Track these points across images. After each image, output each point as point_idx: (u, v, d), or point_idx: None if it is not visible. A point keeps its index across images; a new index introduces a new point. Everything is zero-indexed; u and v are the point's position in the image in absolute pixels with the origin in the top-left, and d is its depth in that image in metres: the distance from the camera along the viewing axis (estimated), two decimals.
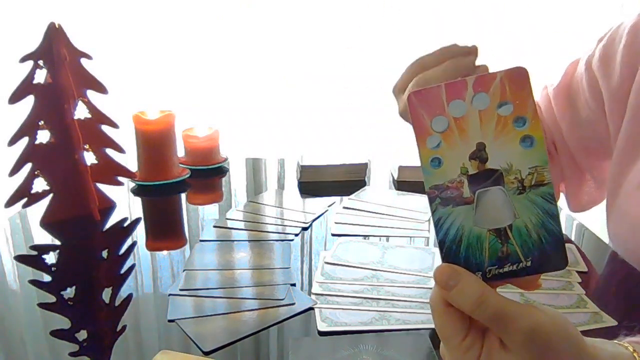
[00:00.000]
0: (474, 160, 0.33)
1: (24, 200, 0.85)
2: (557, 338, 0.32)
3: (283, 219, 0.89)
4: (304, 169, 1.06)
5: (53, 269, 0.74)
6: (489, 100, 0.32)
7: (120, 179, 0.95)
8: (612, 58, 0.72)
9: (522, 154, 0.32)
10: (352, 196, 0.99)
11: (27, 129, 0.82)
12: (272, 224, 0.87)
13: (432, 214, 0.34)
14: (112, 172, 0.93)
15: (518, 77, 0.32)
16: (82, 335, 0.58)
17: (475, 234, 0.33)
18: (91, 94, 0.87)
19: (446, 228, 0.34)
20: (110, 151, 0.92)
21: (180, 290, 0.66)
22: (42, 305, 0.64)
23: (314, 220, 0.88)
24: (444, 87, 0.32)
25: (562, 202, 0.90)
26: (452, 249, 0.34)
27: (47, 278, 0.71)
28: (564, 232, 0.85)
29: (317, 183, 1.06)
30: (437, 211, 0.33)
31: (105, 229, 0.87)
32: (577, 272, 0.70)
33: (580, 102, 0.78)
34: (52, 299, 0.65)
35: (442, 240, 0.34)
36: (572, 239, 0.83)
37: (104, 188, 0.93)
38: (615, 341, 0.38)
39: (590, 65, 0.75)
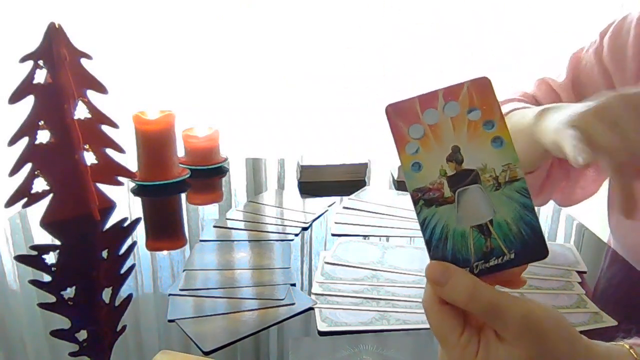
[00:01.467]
0: (451, 162, 0.35)
1: (24, 200, 0.85)
2: (551, 326, 0.33)
3: (283, 219, 0.89)
4: (304, 169, 1.06)
5: (53, 269, 0.74)
6: (459, 108, 0.35)
7: (120, 179, 0.95)
8: (623, 52, 0.71)
9: (494, 154, 0.35)
10: (352, 196, 0.99)
11: (27, 129, 0.82)
12: (272, 224, 0.87)
13: (418, 215, 0.36)
14: (112, 172, 0.93)
15: (482, 86, 0.35)
16: (82, 335, 0.58)
17: (459, 232, 0.35)
18: (91, 94, 0.87)
19: (432, 228, 0.35)
20: (110, 151, 0.92)
21: (180, 290, 0.66)
22: (42, 305, 0.64)
23: (314, 220, 0.88)
24: (417, 99, 0.35)
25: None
26: (439, 248, 0.35)
27: (47, 278, 0.71)
28: (564, 232, 0.85)
29: (317, 183, 1.06)
30: (421, 212, 0.35)
31: (105, 229, 0.87)
32: (577, 272, 0.70)
33: (590, 94, 0.78)
34: (52, 299, 0.65)
35: (429, 240, 0.35)
36: (572, 239, 0.83)
37: (104, 188, 0.93)
38: (612, 343, 0.38)
39: (602, 58, 0.75)
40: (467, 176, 0.35)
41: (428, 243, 0.35)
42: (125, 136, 0.94)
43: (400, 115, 0.35)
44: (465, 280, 0.34)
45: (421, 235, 0.35)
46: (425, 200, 0.35)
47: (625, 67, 0.71)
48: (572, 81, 0.81)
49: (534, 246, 0.35)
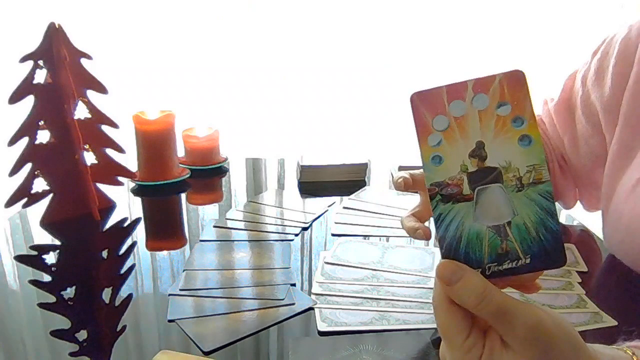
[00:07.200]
0: (474, 158, 0.33)
1: (24, 200, 0.85)
2: (559, 337, 0.32)
3: (283, 219, 0.89)
4: (304, 169, 1.06)
5: (53, 269, 0.74)
6: (489, 101, 0.33)
7: (120, 179, 0.95)
8: (605, 70, 0.73)
9: (520, 153, 0.33)
10: (352, 196, 0.99)
11: (27, 129, 0.82)
12: (272, 224, 0.87)
13: (433, 210, 0.34)
14: (112, 172, 0.93)
15: (516, 79, 0.33)
16: (82, 335, 0.58)
17: (475, 231, 0.34)
18: (91, 94, 0.87)
19: (446, 224, 0.34)
20: (110, 151, 0.92)
21: (180, 290, 0.66)
22: (42, 305, 0.64)
23: (314, 220, 0.88)
24: (445, 89, 0.33)
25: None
26: (452, 246, 0.34)
27: (47, 278, 0.71)
28: (564, 232, 0.85)
29: (317, 183, 1.06)
30: (437, 207, 0.34)
31: (105, 229, 0.87)
32: (577, 272, 0.70)
33: (577, 117, 0.80)
34: (52, 299, 0.65)
35: (443, 237, 0.34)
36: (572, 239, 0.83)
37: (104, 188, 0.93)
38: (614, 346, 0.38)
39: (586, 80, 0.77)
40: (489, 174, 0.33)
41: (441, 240, 0.34)
42: (125, 136, 0.94)
43: (426, 105, 0.34)
44: (475, 282, 0.33)
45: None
46: (442, 196, 0.34)
47: (605, 84, 0.73)
48: (563, 103, 0.83)
49: (551, 253, 0.34)
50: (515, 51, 1.66)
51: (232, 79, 1.73)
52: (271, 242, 0.80)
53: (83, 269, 0.75)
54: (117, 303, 0.65)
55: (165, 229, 0.91)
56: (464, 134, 0.33)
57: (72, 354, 0.55)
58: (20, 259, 0.76)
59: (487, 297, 0.32)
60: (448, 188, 0.34)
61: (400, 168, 1.06)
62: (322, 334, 0.58)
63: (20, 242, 0.82)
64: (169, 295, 0.65)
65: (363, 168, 1.08)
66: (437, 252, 0.74)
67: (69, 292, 0.67)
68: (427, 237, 0.58)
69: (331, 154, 1.11)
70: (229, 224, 0.87)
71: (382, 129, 1.75)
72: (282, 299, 0.64)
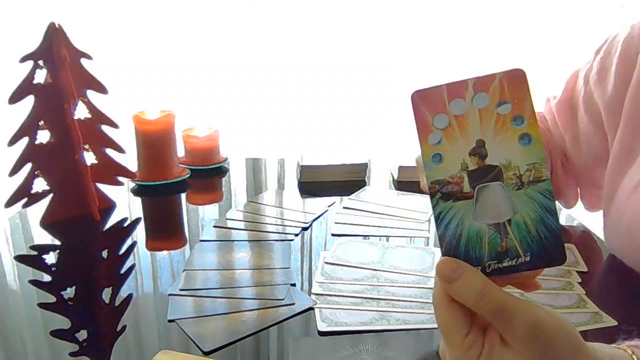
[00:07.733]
0: (474, 156, 0.34)
1: (24, 200, 0.85)
2: (558, 335, 0.32)
3: (283, 219, 0.89)
4: (304, 169, 1.06)
5: (53, 269, 0.74)
6: (489, 100, 0.33)
7: (120, 179, 0.95)
8: (608, 70, 0.74)
9: (520, 151, 0.33)
10: (352, 196, 0.98)
11: (27, 129, 0.82)
12: (272, 224, 0.87)
13: (433, 209, 0.34)
14: (112, 172, 0.93)
15: (516, 78, 0.33)
16: (82, 335, 0.58)
17: (475, 229, 0.34)
18: (91, 94, 0.87)
19: (446, 222, 0.34)
20: (110, 151, 0.92)
21: (180, 290, 0.66)
22: (42, 305, 0.64)
23: (314, 220, 0.88)
24: (445, 87, 0.34)
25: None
26: (452, 243, 0.34)
27: (47, 278, 0.71)
28: (564, 232, 0.85)
29: (317, 183, 1.06)
30: (437, 205, 0.34)
31: (105, 229, 0.87)
32: (577, 272, 0.70)
33: (580, 116, 0.80)
34: (52, 299, 0.65)
35: (443, 235, 0.34)
36: (572, 239, 0.83)
37: (104, 188, 0.93)
38: (614, 345, 0.38)
39: (588, 79, 0.77)
40: (489, 172, 0.34)
41: (441, 238, 0.34)
42: (125, 136, 0.94)
43: (426, 103, 0.34)
44: (475, 280, 0.33)
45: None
46: (442, 194, 0.34)
47: (608, 84, 0.73)
48: (565, 102, 0.83)
49: (551, 251, 0.34)
50: (515, 51, 1.66)
51: (232, 79, 1.73)
52: (271, 242, 0.80)
53: (83, 269, 0.75)
54: (117, 303, 0.65)
55: (165, 229, 0.91)
56: (464, 133, 0.33)
57: (72, 354, 0.55)
58: (20, 259, 0.76)
59: (487, 295, 0.32)
60: (448, 186, 0.34)
61: (400, 168, 1.06)
62: (322, 334, 0.58)
63: (20, 242, 0.82)
64: (169, 295, 0.65)
65: (363, 168, 1.08)
66: (437, 251, 0.74)
67: (69, 292, 0.67)
68: None
69: (331, 154, 1.11)
70: (229, 224, 0.87)
71: (382, 129, 1.75)
72: (282, 299, 0.64)
